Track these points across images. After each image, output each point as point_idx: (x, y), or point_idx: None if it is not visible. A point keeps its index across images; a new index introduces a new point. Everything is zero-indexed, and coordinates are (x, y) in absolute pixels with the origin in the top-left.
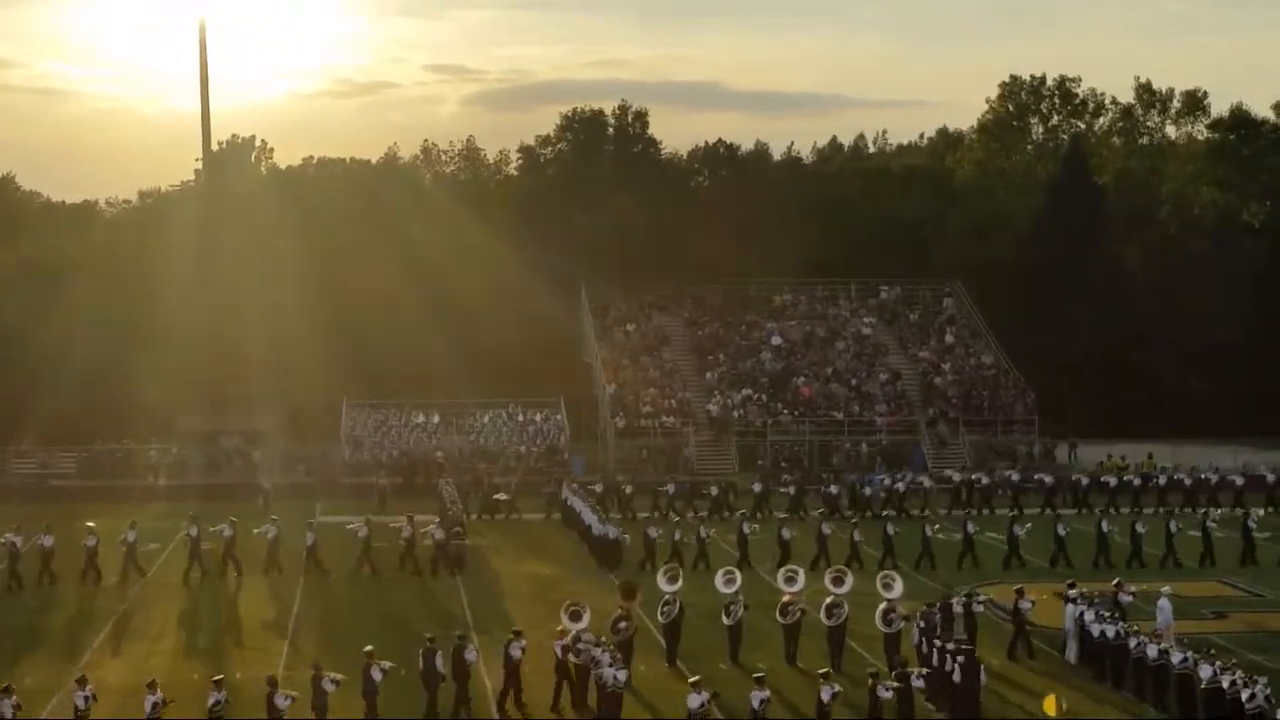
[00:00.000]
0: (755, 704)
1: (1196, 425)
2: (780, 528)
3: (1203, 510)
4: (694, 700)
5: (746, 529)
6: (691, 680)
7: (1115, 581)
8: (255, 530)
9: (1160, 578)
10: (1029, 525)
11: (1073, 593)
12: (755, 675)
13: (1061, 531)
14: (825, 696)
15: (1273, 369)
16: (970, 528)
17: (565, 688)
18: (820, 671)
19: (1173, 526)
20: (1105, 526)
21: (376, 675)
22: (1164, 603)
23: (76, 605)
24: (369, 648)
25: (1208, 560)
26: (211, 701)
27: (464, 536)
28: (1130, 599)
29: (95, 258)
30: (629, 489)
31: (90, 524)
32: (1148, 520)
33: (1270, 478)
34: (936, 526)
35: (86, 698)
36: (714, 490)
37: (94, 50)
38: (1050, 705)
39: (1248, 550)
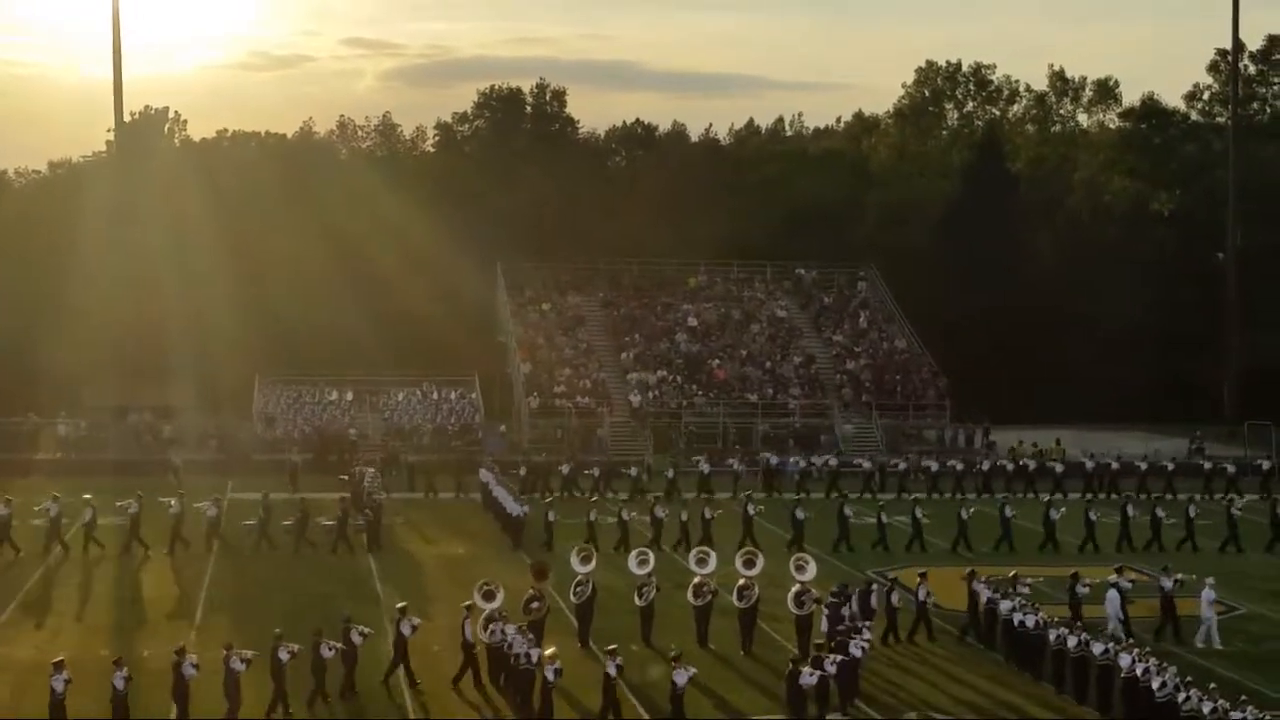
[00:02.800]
0: (680, 681)
1: (1106, 411)
2: (703, 509)
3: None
4: (680, 676)
5: (660, 511)
6: (672, 655)
7: (1074, 572)
8: (170, 507)
9: (1076, 563)
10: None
11: (980, 583)
12: (672, 655)
13: (965, 515)
14: (680, 680)
15: (1181, 356)
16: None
17: (470, 666)
18: (672, 654)
19: (1092, 515)
20: (1009, 511)
21: (284, 656)
22: (1113, 594)
23: None
24: (277, 630)
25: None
26: (118, 682)
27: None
28: (1086, 590)
29: (3, 228)
30: (565, 469)
31: (8, 498)
32: (1059, 505)
33: (1170, 466)
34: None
35: None
36: (633, 471)
37: (6, 16)
38: None
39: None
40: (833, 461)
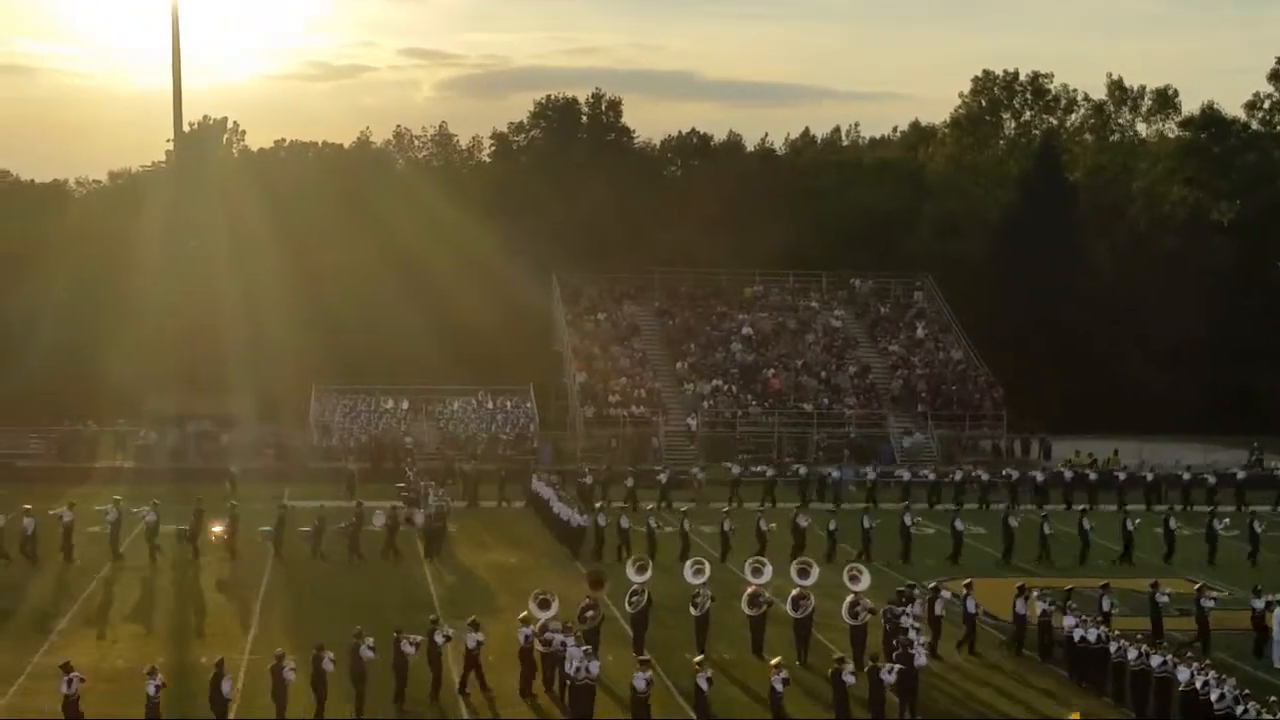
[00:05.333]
0: (703, 685)
1: (1164, 422)
2: (758, 520)
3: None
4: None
5: (727, 525)
6: (697, 660)
7: (1154, 581)
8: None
9: (1135, 574)
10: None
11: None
12: (774, 662)
13: (1013, 524)
14: (778, 685)
15: (1240, 366)
16: (959, 524)
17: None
18: (773, 661)
19: (1173, 524)
20: (1048, 528)
21: (328, 666)
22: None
23: (53, 585)
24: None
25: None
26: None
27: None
28: (1166, 599)
29: (65, 238)
30: (631, 481)
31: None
32: (1120, 517)
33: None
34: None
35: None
36: (699, 473)
37: (65, 27)
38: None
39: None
40: (871, 474)
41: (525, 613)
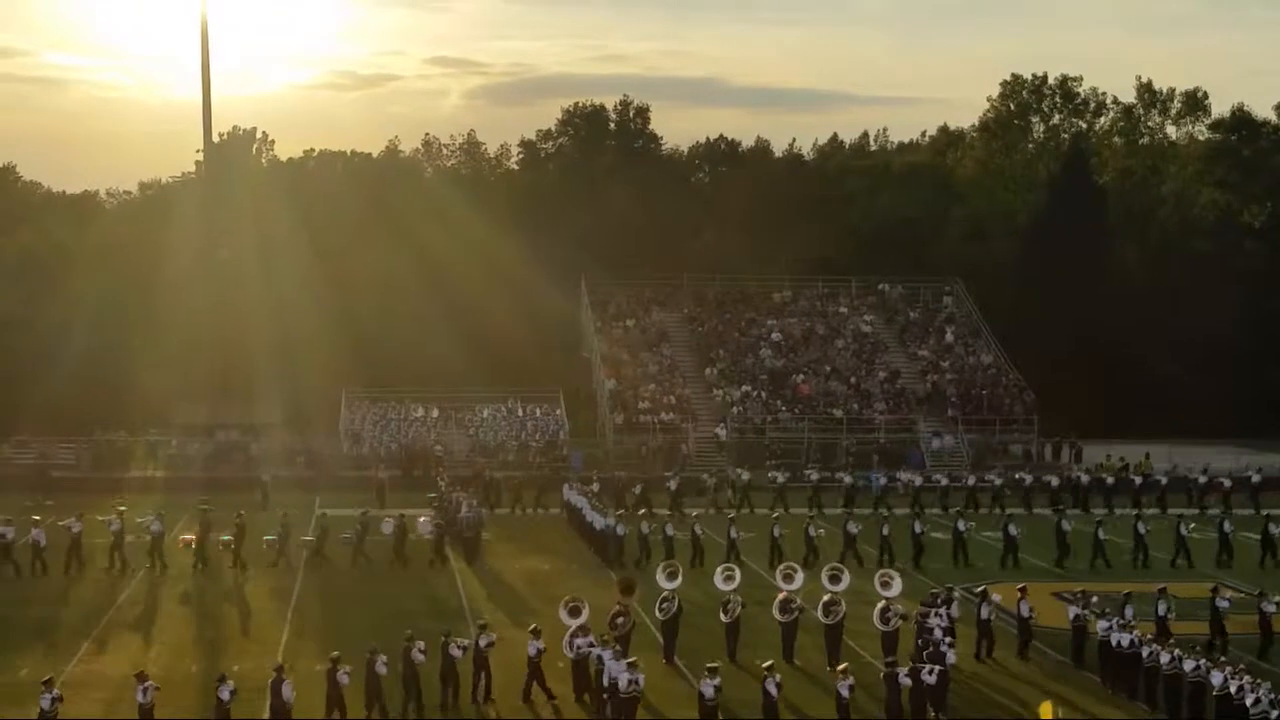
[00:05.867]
0: (772, 689)
1: (1195, 425)
2: (801, 525)
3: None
4: (708, 689)
5: (733, 532)
6: (709, 666)
7: (1214, 586)
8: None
9: (1166, 578)
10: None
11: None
12: (710, 667)
13: (1066, 527)
14: (844, 691)
15: (1272, 368)
16: (961, 525)
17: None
18: (840, 667)
19: (1183, 529)
20: (1065, 525)
21: (381, 669)
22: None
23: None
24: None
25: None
26: (223, 694)
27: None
28: (1227, 604)
29: (96, 248)
30: (639, 488)
31: (121, 508)
32: (1149, 521)
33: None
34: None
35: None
36: (735, 478)
37: (95, 40)
38: (1046, 710)
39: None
40: (882, 480)
41: (535, 625)
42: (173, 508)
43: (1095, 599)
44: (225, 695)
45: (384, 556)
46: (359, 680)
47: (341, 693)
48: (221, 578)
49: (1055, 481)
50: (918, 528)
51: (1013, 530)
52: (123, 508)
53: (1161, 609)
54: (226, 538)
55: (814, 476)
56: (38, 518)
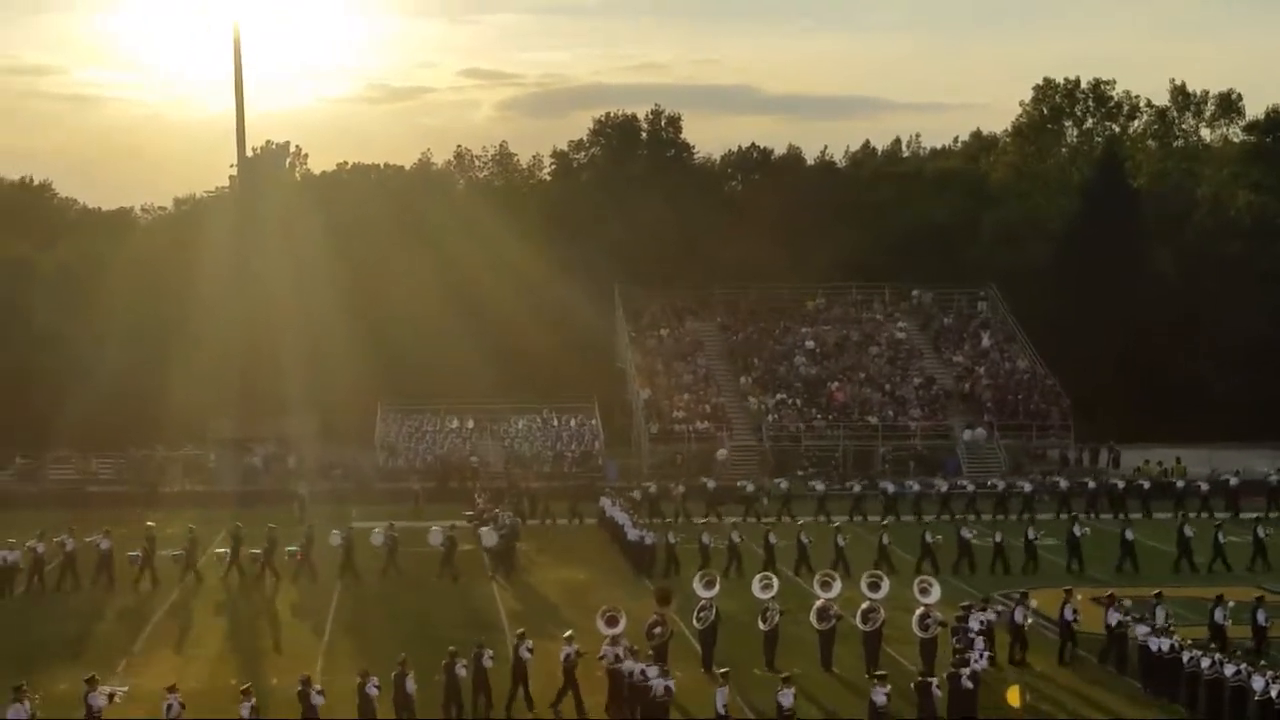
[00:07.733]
0: (785, 703)
1: (1234, 428)
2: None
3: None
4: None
5: (772, 538)
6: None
7: (1259, 595)
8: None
9: (1204, 583)
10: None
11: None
12: (783, 676)
13: (1078, 532)
14: (879, 700)
15: None
16: (998, 536)
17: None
18: (878, 673)
19: (1220, 536)
20: (1078, 529)
21: (410, 687)
22: None
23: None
24: (402, 655)
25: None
26: (244, 711)
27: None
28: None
29: (131, 264)
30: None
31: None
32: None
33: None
34: (975, 532)
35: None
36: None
37: (129, 57)
38: (1014, 696)
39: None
40: (915, 487)
41: (570, 632)
42: (210, 522)
43: (1129, 603)
44: (246, 712)
45: (415, 569)
46: (388, 693)
47: (373, 705)
48: (257, 589)
49: (1092, 484)
50: (965, 534)
51: (1076, 531)
52: (151, 523)
53: (1218, 615)
54: (292, 549)
55: (856, 489)
56: (62, 537)
